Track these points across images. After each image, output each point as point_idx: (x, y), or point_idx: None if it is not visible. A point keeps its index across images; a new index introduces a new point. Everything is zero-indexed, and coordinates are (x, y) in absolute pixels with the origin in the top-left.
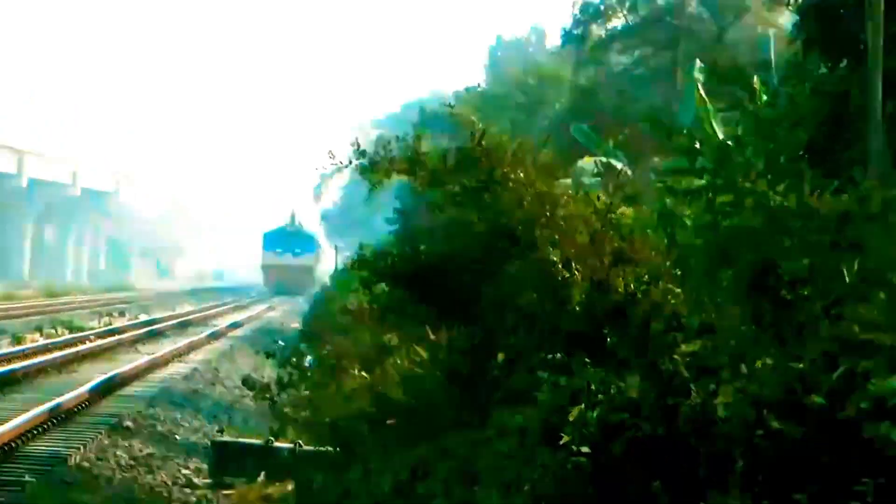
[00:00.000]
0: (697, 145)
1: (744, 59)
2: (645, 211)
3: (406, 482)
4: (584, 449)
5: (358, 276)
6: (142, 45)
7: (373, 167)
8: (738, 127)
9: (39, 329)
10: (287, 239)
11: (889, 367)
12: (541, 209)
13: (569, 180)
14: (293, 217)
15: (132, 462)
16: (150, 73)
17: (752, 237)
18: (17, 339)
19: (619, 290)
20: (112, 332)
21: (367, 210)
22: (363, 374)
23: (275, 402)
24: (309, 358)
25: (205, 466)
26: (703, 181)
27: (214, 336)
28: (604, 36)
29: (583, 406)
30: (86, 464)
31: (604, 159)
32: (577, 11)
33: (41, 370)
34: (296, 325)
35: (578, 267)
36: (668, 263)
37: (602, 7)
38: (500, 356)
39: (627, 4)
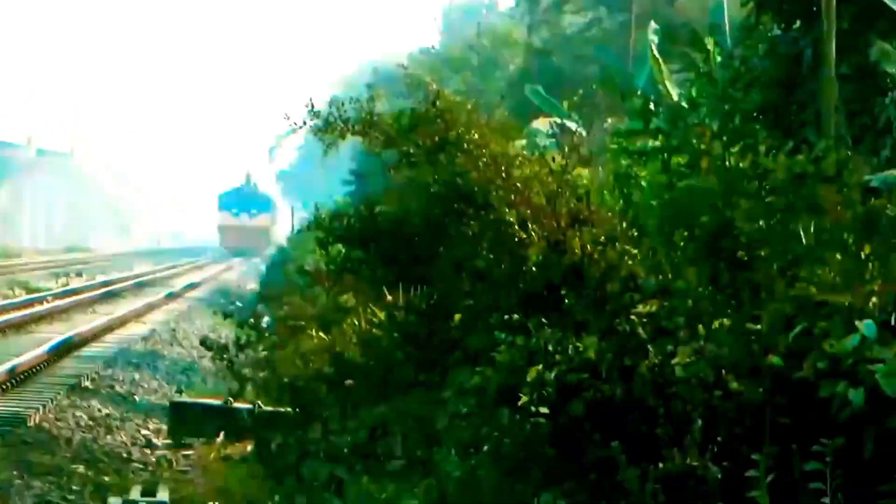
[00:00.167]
0: (652, 107)
1: (697, 20)
2: (600, 172)
3: (365, 443)
4: (543, 410)
5: (314, 237)
6: (99, 3)
7: (327, 128)
8: (692, 88)
9: None
10: (243, 200)
11: (845, 328)
12: (496, 170)
13: (524, 141)
14: (248, 178)
15: (91, 423)
16: (105, 33)
17: (707, 198)
18: None
19: (576, 250)
20: (69, 293)
21: (324, 170)
22: (321, 334)
23: (233, 363)
24: (266, 319)
25: (164, 427)
26: (657, 142)
27: (172, 296)
28: None
29: (540, 367)
30: (45, 424)
31: (558, 121)
32: None
33: None
34: (253, 286)
35: (535, 228)
36: (624, 224)
37: None
38: (457, 317)
39: None
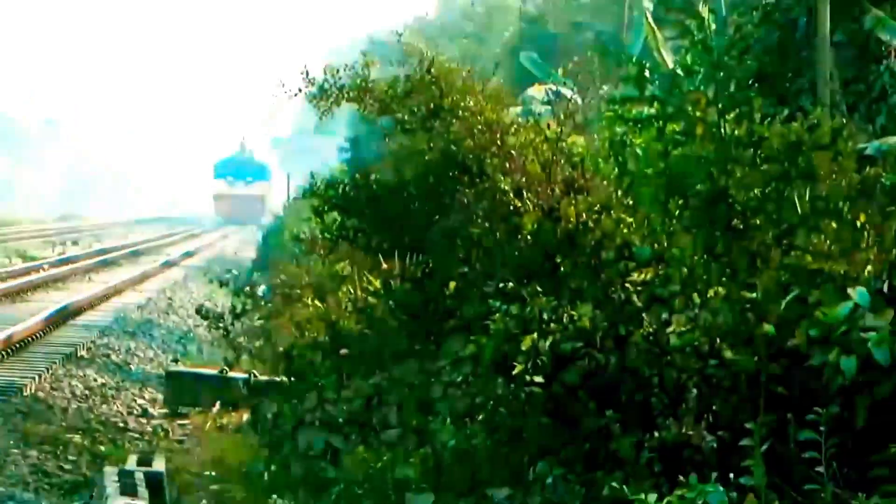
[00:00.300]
0: (647, 74)
1: None
2: (595, 139)
3: (360, 412)
4: (538, 379)
5: (309, 204)
6: None
7: (321, 95)
8: (687, 56)
9: None
10: (238, 168)
11: (839, 296)
12: (491, 137)
13: (519, 109)
14: (243, 146)
15: (87, 392)
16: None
17: (702, 166)
18: None
19: (571, 219)
20: (65, 262)
21: (321, 138)
22: (316, 303)
23: (228, 332)
24: (262, 287)
25: (160, 396)
26: (653, 110)
27: (168, 265)
28: None
29: (535, 335)
30: (41, 393)
31: (554, 88)
32: None
33: None
34: (249, 253)
35: (530, 196)
36: (619, 192)
37: None
38: (452, 285)
39: None
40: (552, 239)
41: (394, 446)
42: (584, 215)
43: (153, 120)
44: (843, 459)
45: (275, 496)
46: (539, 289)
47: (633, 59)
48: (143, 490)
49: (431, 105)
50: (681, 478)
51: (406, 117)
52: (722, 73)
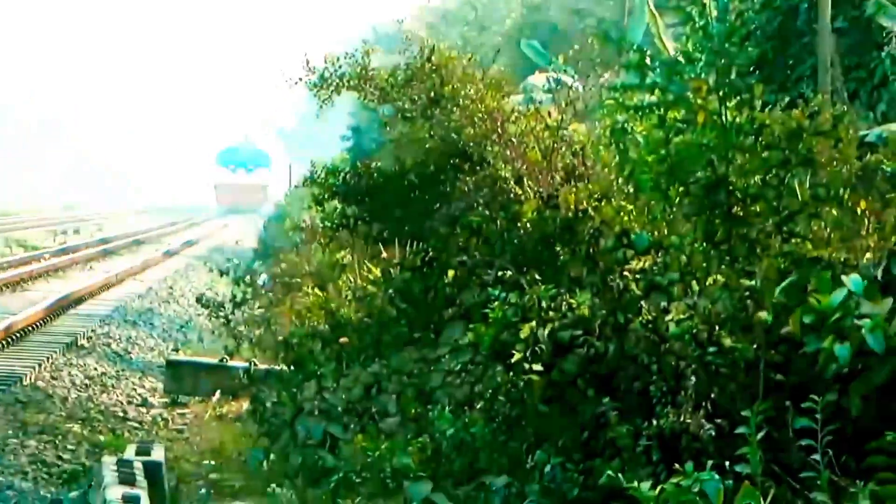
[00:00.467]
0: (648, 61)
1: None
2: (596, 127)
3: (359, 400)
4: (537, 367)
5: (310, 193)
6: None
7: (322, 84)
8: (688, 42)
9: None
10: (239, 156)
11: (833, 283)
12: (492, 125)
13: (520, 96)
14: (246, 137)
15: (87, 381)
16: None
17: (703, 153)
18: None
19: (571, 206)
20: (66, 251)
21: (324, 127)
22: (316, 291)
23: (229, 321)
24: (263, 276)
25: (160, 385)
26: (654, 97)
27: (169, 254)
28: None
29: (534, 323)
30: (41, 383)
31: (554, 75)
32: None
33: None
34: (251, 243)
35: (530, 183)
36: (619, 180)
37: None
38: (451, 273)
39: None
40: (552, 226)
41: (392, 435)
42: (583, 203)
43: (154, 119)
44: (842, 447)
45: (273, 485)
46: (538, 277)
47: (635, 47)
48: (141, 479)
49: (432, 93)
50: (678, 466)
51: (406, 105)
52: (723, 60)
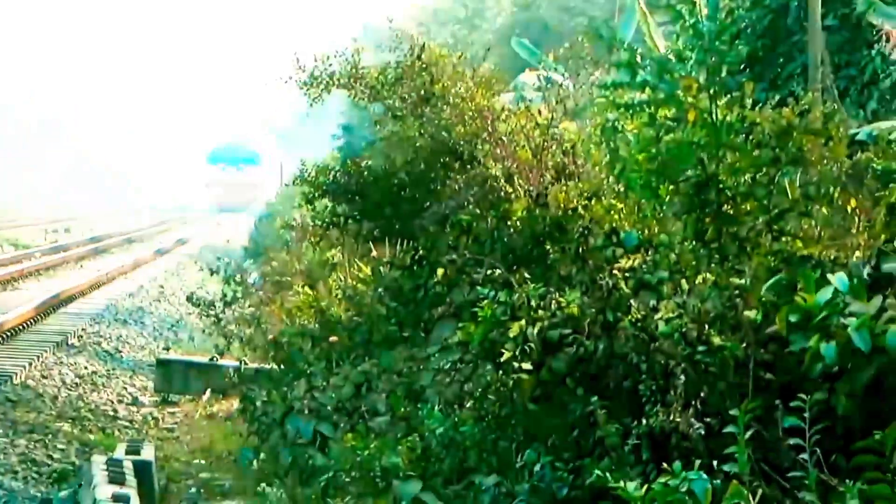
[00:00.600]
0: (639, 59)
1: None
2: (587, 125)
3: (349, 399)
4: (526, 365)
5: (300, 191)
6: None
7: (312, 82)
8: (678, 40)
9: None
10: (232, 155)
11: (819, 281)
12: (482, 123)
13: (511, 95)
14: (235, 135)
15: (77, 380)
16: None
17: (693, 151)
18: None
19: (561, 204)
20: (58, 250)
21: (322, 126)
22: (307, 290)
23: (219, 319)
24: (254, 275)
25: (150, 384)
26: (644, 95)
27: (160, 252)
28: None
29: (523, 322)
30: (31, 382)
31: (545, 73)
32: None
33: None
34: (242, 241)
35: (520, 182)
36: (609, 178)
37: None
38: (441, 272)
39: None
40: (542, 225)
41: (382, 434)
42: (573, 201)
43: (154, 119)
44: (831, 446)
45: (263, 484)
46: (528, 275)
47: (625, 45)
48: (131, 478)
49: (422, 91)
50: (667, 465)
51: (397, 103)
52: (713, 59)
